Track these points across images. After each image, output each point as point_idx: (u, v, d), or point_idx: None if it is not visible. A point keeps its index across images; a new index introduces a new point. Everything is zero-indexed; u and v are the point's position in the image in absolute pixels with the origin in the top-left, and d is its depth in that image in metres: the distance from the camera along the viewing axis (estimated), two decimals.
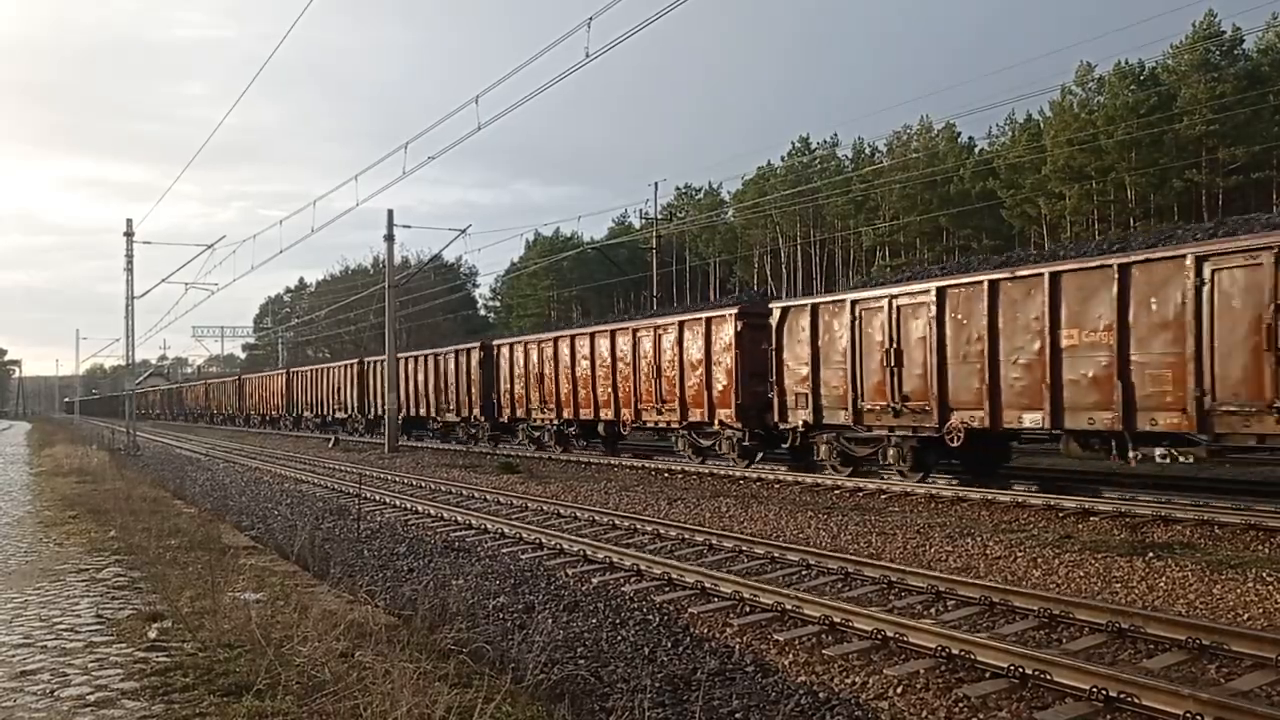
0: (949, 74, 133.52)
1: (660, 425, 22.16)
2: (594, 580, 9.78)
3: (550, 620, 7.93)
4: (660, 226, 53.85)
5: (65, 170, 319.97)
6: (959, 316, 14.75)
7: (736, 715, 5.86)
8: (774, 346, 17.83)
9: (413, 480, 21.10)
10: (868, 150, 73.86)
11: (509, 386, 28.02)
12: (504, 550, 11.78)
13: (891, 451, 15.98)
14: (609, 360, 23.19)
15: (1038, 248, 55.40)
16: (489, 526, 13.40)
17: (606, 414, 23.50)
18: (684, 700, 6.00)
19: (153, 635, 6.28)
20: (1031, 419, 13.68)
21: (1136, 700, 5.57)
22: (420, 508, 15.76)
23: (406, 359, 35.68)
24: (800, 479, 17.18)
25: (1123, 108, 54.21)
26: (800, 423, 17.43)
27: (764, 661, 6.97)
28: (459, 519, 14.36)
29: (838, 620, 7.56)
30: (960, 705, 5.90)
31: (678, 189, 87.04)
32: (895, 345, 15.62)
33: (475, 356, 30.06)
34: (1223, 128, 51.77)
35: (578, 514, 14.29)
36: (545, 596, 9.05)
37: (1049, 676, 6.03)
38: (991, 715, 5.78)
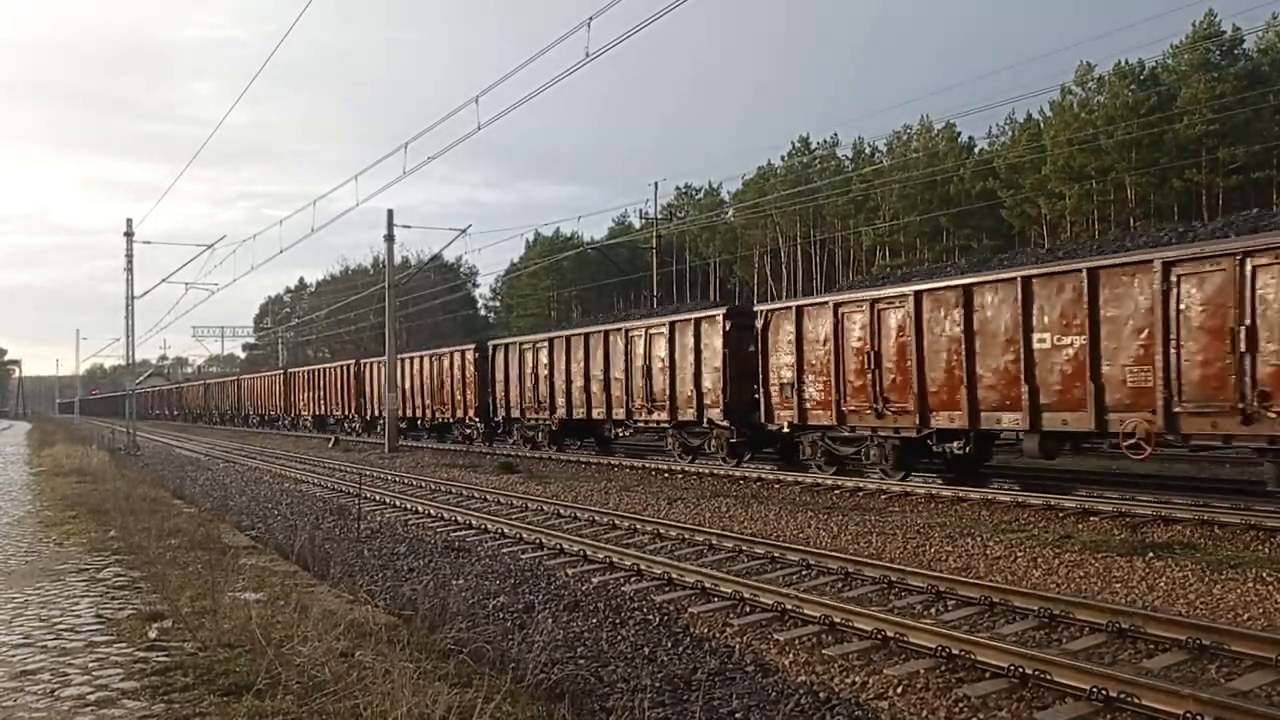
0: (949, 74, 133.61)
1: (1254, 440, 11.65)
2: (594, 580, 9.78)
3: (550, 620, 7.94)
4: (660, 226, 53.77)
5: (70, 170, 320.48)
6: None
7: (736, 715, 5.85)
8: None
9: (413, 480, 21.11)
10: (868, 150, 73.93)
11: (793, 376, 17.91)
12: (504, 550, 11.79)
13: None
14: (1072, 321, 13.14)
15: (1038, 248, 55.50)
16: (489, 526, 13.40)
17: (1061, 420, 13.38)
18: (684, 700, 6.00)
19: (153, 635, 6.27)
20: None
21: (1136, 700, 5.57)
22: (420, 507, 15.76)
23: (565, 339, 25.66)
24: (800, 479, 17.16)
25: (1123, 108, 54.19)
26: None
27: (764, 661, 6.97)
28: (459, 519, 14.36)
29: (838, 620, 7.57)
30: (960, 705, 5.90)
31: (678, 189, 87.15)
32: None
33: (721, 327, 20.07)
34: (1223, 128, 51.75)
35: (578, 514, 14.29)
36: (545, 596, 9.05)
37: (1049, 676, 6.03)
38: (991, 715, 5.78)
